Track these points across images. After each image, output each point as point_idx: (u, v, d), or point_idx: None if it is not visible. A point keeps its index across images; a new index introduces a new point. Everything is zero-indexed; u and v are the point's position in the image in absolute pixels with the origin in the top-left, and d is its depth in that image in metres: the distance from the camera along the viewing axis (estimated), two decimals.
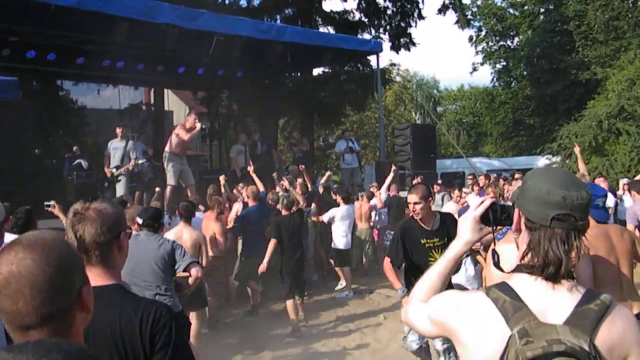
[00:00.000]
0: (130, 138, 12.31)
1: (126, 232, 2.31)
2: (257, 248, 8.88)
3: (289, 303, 8.44)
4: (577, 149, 11.00)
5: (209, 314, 8.23)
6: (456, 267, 2.05)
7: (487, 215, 1.91)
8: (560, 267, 1.65)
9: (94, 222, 2.15)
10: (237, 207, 9.89)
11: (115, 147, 11.84)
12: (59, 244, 1.42)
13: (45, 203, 6.56)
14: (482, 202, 1.94)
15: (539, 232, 1.69)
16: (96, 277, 2.14)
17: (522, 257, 1.74)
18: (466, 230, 1.95)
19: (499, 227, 1.92)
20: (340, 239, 10.67)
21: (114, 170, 11.60)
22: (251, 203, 9.66)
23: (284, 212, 8.83)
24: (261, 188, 10.23)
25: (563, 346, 1.54)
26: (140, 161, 11.93)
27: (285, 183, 10.87)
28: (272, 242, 8.46)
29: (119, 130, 12.04)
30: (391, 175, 12.21)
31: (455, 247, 1.98)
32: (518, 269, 1.74)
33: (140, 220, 5.34)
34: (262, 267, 8.32)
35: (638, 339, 1.66)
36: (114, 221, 2.21)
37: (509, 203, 1.91)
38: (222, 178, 10.32)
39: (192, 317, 7.03)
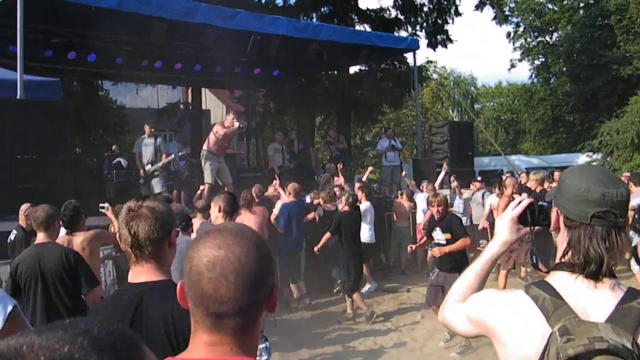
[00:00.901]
0: (159, 135, 12.41)
1: (176, 229, 2.42)
2: (298, 242, 9.19)
3: (356, 295, 8.91)
4: None
5: None
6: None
7: (525, 216, 1.90)
8: (602, 265, 1.63)
9: (148, 219, 2.25)
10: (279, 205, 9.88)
11: (146, 144, 11.94)
12: (262, 240, 1.41)
13: (100, 205, 6.68)
14: (519, 202, 1.93)
15: (579, 230, 1.67)
16: (149, 272, 2.26)
17: (563, 256, 1.72)
18: (504, 231, 1.94)
19: (536, 227, 1.91)
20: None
21: (149, 166, 11.71)
22: (291, 198, 9.72)
23: (346, 209, 9.15)
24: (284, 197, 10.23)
25: (605, 344, 1.51)
26: (173, 156, 12.04)
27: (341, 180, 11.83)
28: (327, 236, 8.97)
29: (147, 128, 12.16)
30: (443, 172, 12.20)
31: (493, 248, 1.96)
32: (558, 267, 1.73)
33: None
34: (316, 248, 9.21)
35: None
36: (166, 219, 2.31)
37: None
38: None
39: None
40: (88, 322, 0.89)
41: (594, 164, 19.50)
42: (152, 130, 12.18)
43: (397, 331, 8.34)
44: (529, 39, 37.18)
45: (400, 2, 21.36)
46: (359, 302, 8.90)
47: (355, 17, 20.84)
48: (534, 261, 1.94)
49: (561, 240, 1.76)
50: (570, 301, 1.62)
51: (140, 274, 2.28)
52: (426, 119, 32.71)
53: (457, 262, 7.00)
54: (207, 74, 15.64)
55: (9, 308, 2.21)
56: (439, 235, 7.34)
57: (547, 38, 36.99)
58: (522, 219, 1.90)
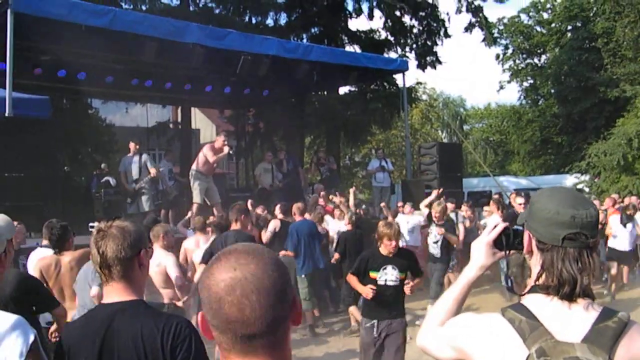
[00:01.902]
0: (144, 152, 12.31)
1: (147, 249, 2.42)
2: (315, 261, 9.37)
3: (352, 308, 9.09)
4: None
5: None
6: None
7: (500, 240, 1.92)
8: (575, 286, 1.65)
9: (116, 238, 2.27)
10: (275, 224, 9.81)
11: (130, 162, 11.86)
12: (273, 253, 1.38)
13: (90, 224, 6.65)
14: (495, 227, 1.95)
15: (551, 252, 1.69)
16: (118, 292, 2.28)
17: (537, 278, 1.74)
18: (480, 255, 1.96)
19: (511, 252, 1.93)
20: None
21: (134, 184, 11.60)
22: (298, 218, 9.67)
23: (349, 228, 9.65)
24: None
25: None
26: (162, 169, 11.97)
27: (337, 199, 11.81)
28: (336, 256, 9.62)
29: (132, 145, 12.05)
30: (433, 195, 12.14)
31: (469, 272, 1.99)
32: (533, 289, 1.74)
33: None
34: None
35: None
36: (135, 238, 2.33)
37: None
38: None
39: None
40: None
41: (582, 185, 19.67)
42: (137, 147, 12.08)
43: None
44: (517, 61, 37.59)
45: (390, 24, 21.54)
46: (356, 315, 8.91)
47: (345, 38, 21.00)
48: (509, 285, 1.96)
49: (535, 263, 1.78)
50: (546, 322, 1.64)
51: (111, 293, 2.29)
52: (415, 139, 32.82)
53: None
54: (197, 94, 15.66)
55: (31, 338, 2.19)
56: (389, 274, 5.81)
57: (536, 60, 37.41)
58: (497, 243, 1.93)
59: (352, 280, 5.99)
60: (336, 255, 9.61)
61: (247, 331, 1.25)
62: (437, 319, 1.95)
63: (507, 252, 1.92)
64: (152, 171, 11.56)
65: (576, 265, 1.65)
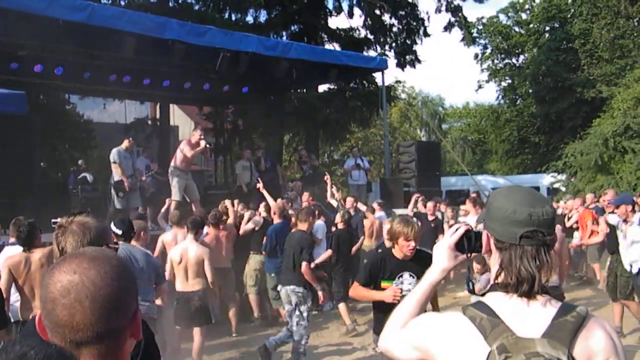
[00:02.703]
0: (135, 153, 12.20)
1: (109, 245, 2.37)
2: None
3: (342, 306, 9.19)
4: None
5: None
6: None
7: (462, 243, 1.94)
8: (534, 283, 1.67)
9: (75, 234, 2.21)
10: (256, 223, 9.72)
11: (126, 157, 11.67)
12: (123, 262, 1.35)
13: (53, 220, 6.57)
14: (457, 230, 1.97)
15: (509, 251, 1.71)
16: None
17: (496, 277, 1.76)
18: (442, 258, 1.97)
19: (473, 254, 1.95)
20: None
21: (130, 180, 11.41)
22: (277, 220, 9.54)
23: (341, 226, 9.74)
24: (271, 203, 10.20)
25: (542, 358, 1.56)
26: (144, 178, 11.91)
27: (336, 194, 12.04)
28: (328, 253, 9.57)
29: (128, 142, 11.82)
30: (414, 198, 12.27)
31: (432, 275, 2.00)
32: (492, 288, 1.76)
33: (119, 231, 5.37)
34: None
35: (614, 347, 1.68)
36: (96, 234, 2.26)
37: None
38: (227, 202, 10.18)
39: (196, 332, 7.06)
40: (23, 346, 0.87)
41: (558, 184, 19.86)
42: (131, 144, 11.89)
43: (363, 350, 8.32)
44: (496, 61, 37.89)
45: (369, 22, 21.60)
46: (344, 314, 9.15)
47: (325, 36, 21.01)
48: (471, 287, 1.98)
49: (493, 262, 1.80)
50: (506, 319, 1.65)
51: None
52: (394, 138, 32.93)
53: None
54: (176, 90, 15.57)
55: None
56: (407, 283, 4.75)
57: (514, 60, 37.74)
58: (459, 246, 1.94)
59: (359, 291, 4.87)
60: (329, 252, 9.62)
61: (75, 337, 1.22)
62: (400, 321, 1.95)
63: (469, 254, 1.94)
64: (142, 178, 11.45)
65: (534, 263, 1.68)
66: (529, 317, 1.67)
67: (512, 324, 1.64)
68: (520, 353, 1.58)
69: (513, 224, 1.70)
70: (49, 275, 1.27)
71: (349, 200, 11.74)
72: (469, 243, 1.92)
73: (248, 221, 9.70)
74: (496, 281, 1.76)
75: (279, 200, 10.16)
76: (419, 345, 1.80)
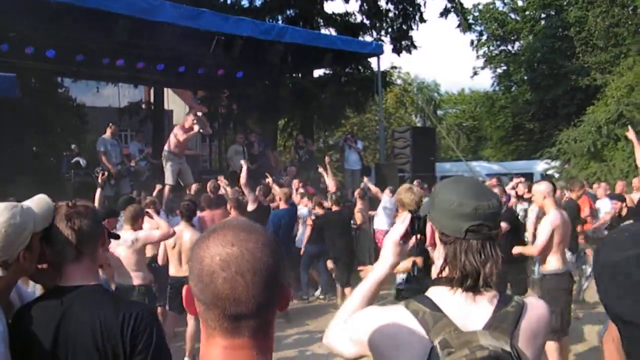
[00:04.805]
0: (122, 138, 12.17)
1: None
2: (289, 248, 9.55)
3: (348, 290, 9.00)
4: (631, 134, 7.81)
5: None
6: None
7: (412, 227, 1.87)
8: (478, 278, 1.64)
9: (86, 216, 2.22)
10: (254, 205, 9.64)
11: (112, 144, 11.70)
12: (271, 234, 1.32)
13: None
14: (403, 221, 1.91)
15: (454, 245, 1.68)
16: (84, 275, 2.20)
17: (440, 271, 1.72)
18: (388, 254, 1.92)
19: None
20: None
21: (119, 166, 11.47)
22: (283, 205, 9.58)
23: (334, 208, 9.50)
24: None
25: (486, 351, 1.54)
26: (133, 163, 11.89)
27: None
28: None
29: (112, 128, 11.84)
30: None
31: (379, 270, 1.94)
32: (436, 282, 1.73)
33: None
34: None
35: (547, 321, 1.74)
36: (99, 218, 2.33)
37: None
38: (222, 180, 10.18)
39: (190, 317, 7.06)
40: None
41: (552, 171, 19.94)
42: (114, 129, 11.93)
43: None
44: (491, 48, 37.86)
45: (365, 7, 21.46)
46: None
47: (321, 21, 20.86)
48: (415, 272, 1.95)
49: (437, 255, 1.76)
50: (449, 313, 1.63)
51: (71, 275, 2.19)
52: (389, 124, 32.89)
53: None
54: (170, 74, 15.47)
55: None
56: None
57: (509, 47, 37.71)
58: (407, 234, 1.89)
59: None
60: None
61: (236, 310, 1.20)
62: (345, 317, 1.91)
63: (417, 236, 1.87)
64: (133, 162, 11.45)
65: (479, 257, 1.64)
66: (472, 311, 1.64)
67: (455, 318, 1.62)
68: (463, 348, 1.55)
69: (458, 218, 1.66)
70: (201, 248, 1.24)
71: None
72: (418, 224, 1.86)
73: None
74: (440, 275, 1.72)
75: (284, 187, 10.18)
76: (359, 339, 1.76)
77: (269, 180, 11.20)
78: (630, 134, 7.70)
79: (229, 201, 8.81)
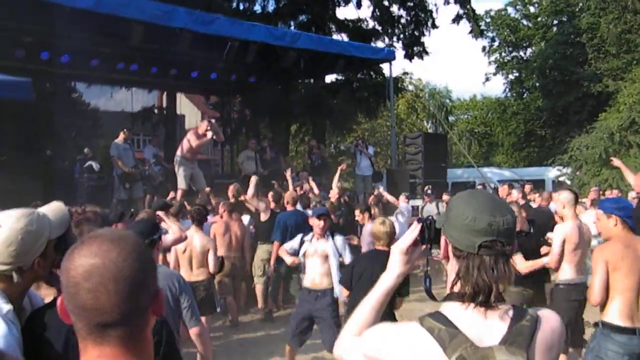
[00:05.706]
0: (134, 143, 12.22)
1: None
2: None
3: None
4: (617, 162, 8.84)
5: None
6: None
7: (422, 236, 1.86)
8: (490, 294, 1.63)
9: (95, 222, 2.30)
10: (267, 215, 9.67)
11: (125, 149, 11.76)
12: (140, 242, 1.36)
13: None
14: (413, 231, 1.90)
15: (467, 260, 1.67)
16: None
17: (452, 286, 1.72)
18: (395, 264, 1.92)
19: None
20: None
21: (133, 170, 11.52)
22: (289, 208, 9.50)
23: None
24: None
25: None
26: (151, 163, 11.93)
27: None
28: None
29: (125, 133, 11.89)
30: None
31: (387, 280, 1.94)
32: (449, 297, 1.72)
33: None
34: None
35: (561, 333, 1.73)
36: (108, 223, 2.39)
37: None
38: (254, 178, 10.14)
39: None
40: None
41: (563, 178, 19.86)
42: (128, 134, 11.97)
43: None
44: (503, 54, 37.78)
45: (378, 13, 21.49)
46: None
47: (333, 27, 20.92)
48: (427, 285, 1.92)
49: (450, 269, 1.75)
50: (465, 330, 1.62)
51: None
52: (401, 129, 32.87)
53: None
54: (183, 79, 15.57)
55: None
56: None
57: (521, 53, 37.62)
58: (419, 239, 1.87)
59: None
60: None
61: (101, 319, 1.24)
62: (355, 328, 1.90)
63: (429, 245, 1.86)
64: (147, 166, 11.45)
65: (492, 274, 1.63)
66: (486, 327, 1.63)
67: (470, 334, 1.61)
68: None
69: (472, 233, 1.65)
70: (68, 259, 1.28)
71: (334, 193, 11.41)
72: (428, 234, 1.85)
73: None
74: (452, 290, 1.72)
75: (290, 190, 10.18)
76: (374, 356, 1.74)
77: (288, 178, 11.22)
78: (616, 162, 8.09)
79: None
